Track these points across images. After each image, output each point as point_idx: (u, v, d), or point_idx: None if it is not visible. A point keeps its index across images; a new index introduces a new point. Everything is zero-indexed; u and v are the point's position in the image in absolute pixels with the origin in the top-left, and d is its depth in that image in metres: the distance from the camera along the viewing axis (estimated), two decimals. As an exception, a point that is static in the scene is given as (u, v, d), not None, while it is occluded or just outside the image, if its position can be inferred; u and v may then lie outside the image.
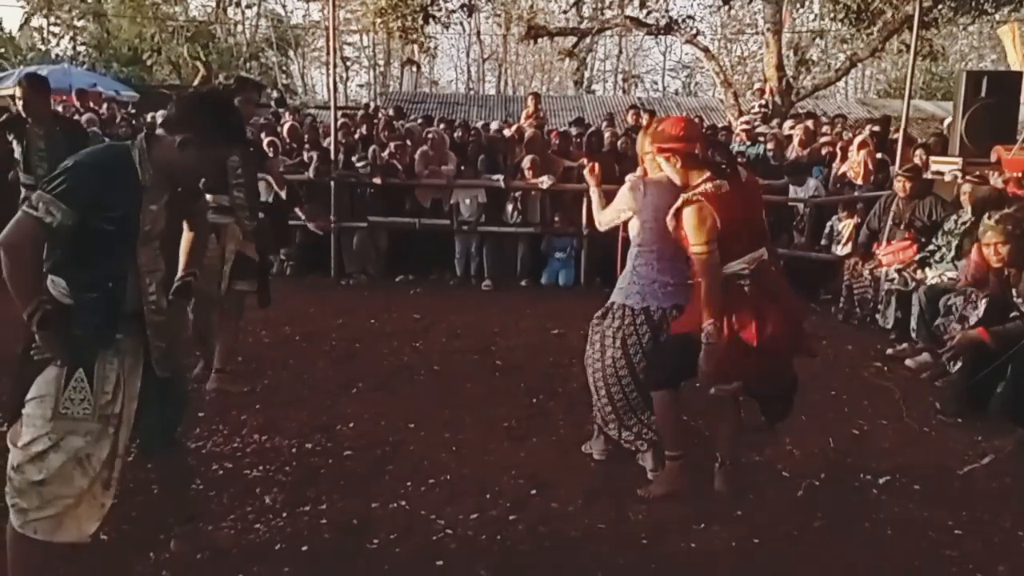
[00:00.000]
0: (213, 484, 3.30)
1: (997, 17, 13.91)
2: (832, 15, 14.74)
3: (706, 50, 15.98)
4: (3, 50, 26.21)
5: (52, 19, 28.46)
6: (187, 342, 2.71)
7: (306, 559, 2.79)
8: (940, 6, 12.71)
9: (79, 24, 28.64)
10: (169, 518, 2.74)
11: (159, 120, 2.18)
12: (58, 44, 28.85)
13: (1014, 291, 4.21)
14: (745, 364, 2.98)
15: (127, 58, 26.87)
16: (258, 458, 3.57)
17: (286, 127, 8.87)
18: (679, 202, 2.95)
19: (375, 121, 10.11)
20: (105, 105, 11.87)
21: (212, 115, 2.30)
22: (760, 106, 13.12)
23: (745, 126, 9.33)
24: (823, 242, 7.20)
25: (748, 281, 2.95)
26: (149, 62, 26.39)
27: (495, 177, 7.59)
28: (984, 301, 4.43)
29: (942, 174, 6.77)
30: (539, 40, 17.09)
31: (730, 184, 2.93)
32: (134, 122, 10.18)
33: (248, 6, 30.31)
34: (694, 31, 15.21)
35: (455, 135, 8.73)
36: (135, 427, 2.40)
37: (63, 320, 2.20)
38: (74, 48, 28.73)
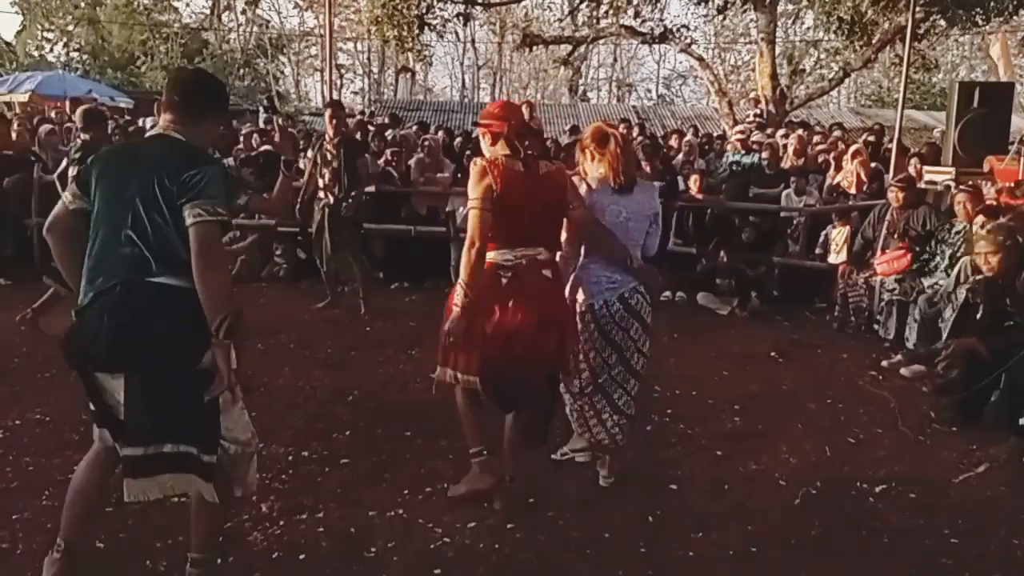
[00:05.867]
0: (209, 492, 3.28)
1: (988, 29, 14.03)
2: (826, 26, 14.84)
3: (700, 59, 16.08)
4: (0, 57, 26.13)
5: (47, 25, 28.35)
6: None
7: (303, 568, 2.78)
8: (932, 18, 12.81)
9: (73, 30, 28.54)
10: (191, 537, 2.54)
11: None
12: (52, 50, 28.77)
13: (1007, 300, 4.25)
14: (480, 350, 3.02)
15: (120, 63, 26.77)
16: (254, 466, 3.56)
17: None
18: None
19: (370, 128, 10.12)
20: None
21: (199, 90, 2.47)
22: (755, 115, 13.20)
23: (740, 135, 9.37)
24: (818, 251, 7.23)
25: (510, 274, 3.01)
26: (143, 68, 26.31)
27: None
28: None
29: (935, 184, 6.82)
30: (534, 48, 17.17)
31: (525, 170, 3.00)
32: (130, 129, 10.13)
33: (241, 12, 30.27)
34: (688, 40, 15.30)
35: (454, 143, 8.68)
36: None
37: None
38: (67, 55, 28.63)
